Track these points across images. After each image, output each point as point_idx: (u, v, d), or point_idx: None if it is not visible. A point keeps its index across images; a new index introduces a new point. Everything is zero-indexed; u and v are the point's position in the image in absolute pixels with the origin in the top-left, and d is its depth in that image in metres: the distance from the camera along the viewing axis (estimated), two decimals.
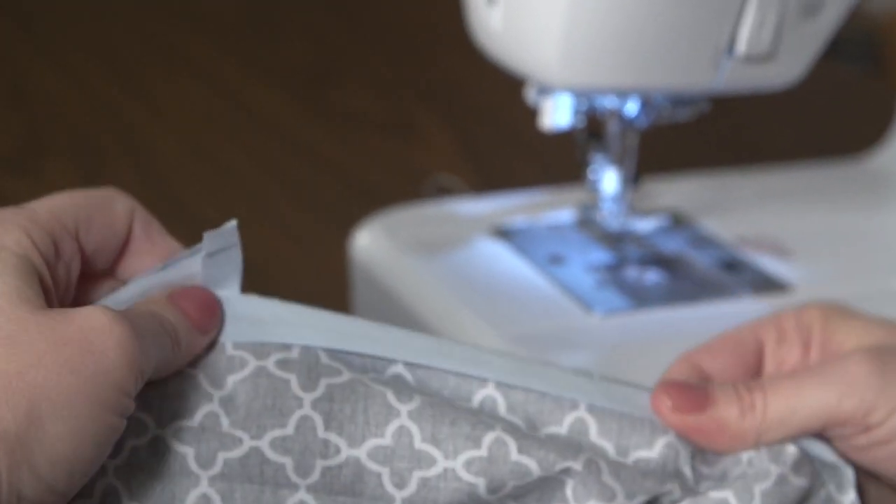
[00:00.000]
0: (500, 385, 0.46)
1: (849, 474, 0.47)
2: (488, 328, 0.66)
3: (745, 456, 0.47)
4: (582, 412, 0.47)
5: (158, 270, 0.46)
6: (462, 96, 1.11)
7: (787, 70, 0.67)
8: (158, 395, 0.44)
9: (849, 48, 1.06)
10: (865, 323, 0.49)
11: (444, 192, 0.79)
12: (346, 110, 1.07)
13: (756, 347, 0.50)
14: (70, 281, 0.46)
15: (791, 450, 0.47)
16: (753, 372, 0.50)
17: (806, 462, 0.47)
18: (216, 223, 0.46)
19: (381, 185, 0.93)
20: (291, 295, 0.48)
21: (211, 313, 0.46)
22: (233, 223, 0.46)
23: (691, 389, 0.48)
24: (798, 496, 0.46)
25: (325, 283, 0.82)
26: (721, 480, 0.47)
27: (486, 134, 1.03)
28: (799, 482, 0.46)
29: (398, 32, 1.24)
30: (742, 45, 0.65)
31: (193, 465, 0.44)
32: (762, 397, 0.47)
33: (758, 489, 0.46)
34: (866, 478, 0.48)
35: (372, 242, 0.74)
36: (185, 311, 0.45)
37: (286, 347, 0.45)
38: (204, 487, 0.44)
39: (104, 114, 1.03)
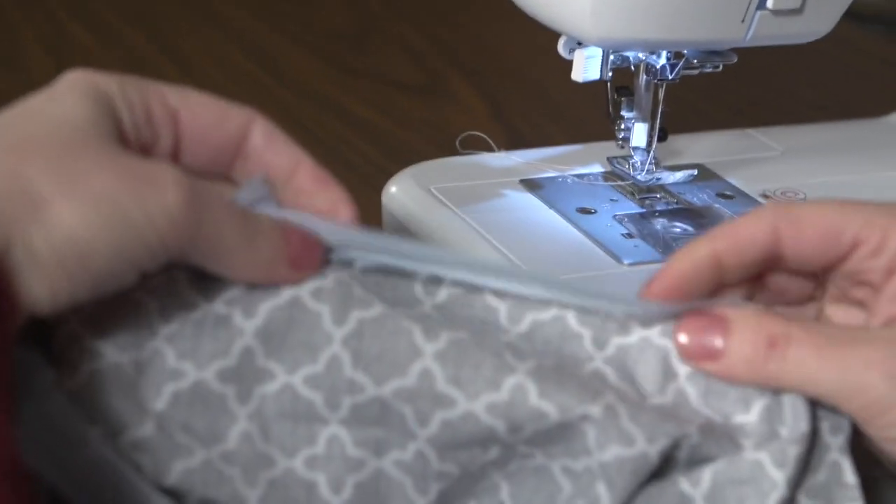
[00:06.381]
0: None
1: (846, 424, 0.48)
2: None
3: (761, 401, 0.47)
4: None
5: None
6: (491, 58, 1.11)
7: (814, 24, 0.68)
8: (191, 336, 0.45)
9: (867, 12, 1.07)
10: None
11: (474, 149, 0.80)
12: (377, 72, 1.08)
13: (846, 253, 0.48)
14: (158, 151, 0.46)
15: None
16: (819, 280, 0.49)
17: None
18: None
19: (412, 145, 0.94)
20: None
21: (309, 253, 0.46)
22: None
23: (708, 332, 0.47)
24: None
25: None
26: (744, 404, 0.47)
27: (515, 95, 1.04)
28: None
29: None
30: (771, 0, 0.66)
31: (234, 404, 0.45)
32: (780, 360, 0.46)
33: (792, 452, 0.46)
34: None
35: (404, 192, 0.75)
36: (288, 239, 0.45)
37: (320, 273, 0.46)
38: (244, 424, 0.45)
39: (138, 72, 1.04)
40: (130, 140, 0.45)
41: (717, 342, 0.47)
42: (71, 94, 0.44)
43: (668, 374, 0.48)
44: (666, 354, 0.48)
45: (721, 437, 0.47)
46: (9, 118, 0.43)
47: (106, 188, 0.41)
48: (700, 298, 0.48)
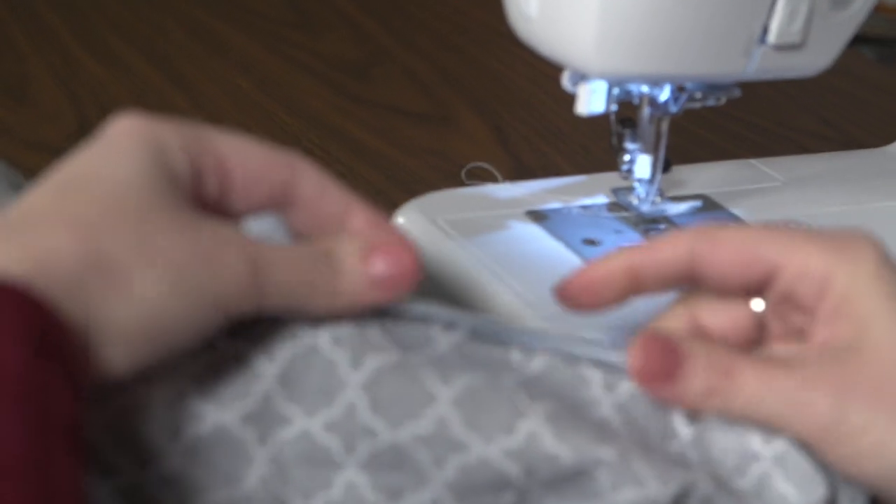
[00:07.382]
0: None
1: (860, 497, 0.48)
2: (523, 306, 0.67)
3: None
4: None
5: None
6: (496, 86, 1.12)
7: (816, 59, 0.69)
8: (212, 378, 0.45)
9: (867, 36, 1.07)
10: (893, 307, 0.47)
11: (479, 179, 0.81)
12: (383, 100, 1.09)
13: (766, 277, 0.49)
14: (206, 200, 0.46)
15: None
16: (754, 322, 0.50)
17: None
18: None
19: (417, 173, 0.95)
20: None
21: (399, 269, 0.46)
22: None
23: (663, 356, 0.47)
24: None
25: None
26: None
27: (520, 123, 1.04)
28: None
29: (432, 25, 1.26)
30: (773, 35, 0.67)
31: (253, 448, 0.46)
32: (732, 389, 0.47)
33: None
34: None
35: (411, 224, 0.75)
36: (371, 262, 0.45)
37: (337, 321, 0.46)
38: (262, 468, 0.46)
39: (150, 101, 1.05)
40: (185, 191, 0.44)
41: (672, 366, 0.47)
42: (126, 152, 0.44)
43: (673, 424, 0.48)
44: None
45: (730, 496, 0.47)
46: (66, 183, 0.43)
47: (178, 257, 0.41)
48: (612, 304, 0.51)
